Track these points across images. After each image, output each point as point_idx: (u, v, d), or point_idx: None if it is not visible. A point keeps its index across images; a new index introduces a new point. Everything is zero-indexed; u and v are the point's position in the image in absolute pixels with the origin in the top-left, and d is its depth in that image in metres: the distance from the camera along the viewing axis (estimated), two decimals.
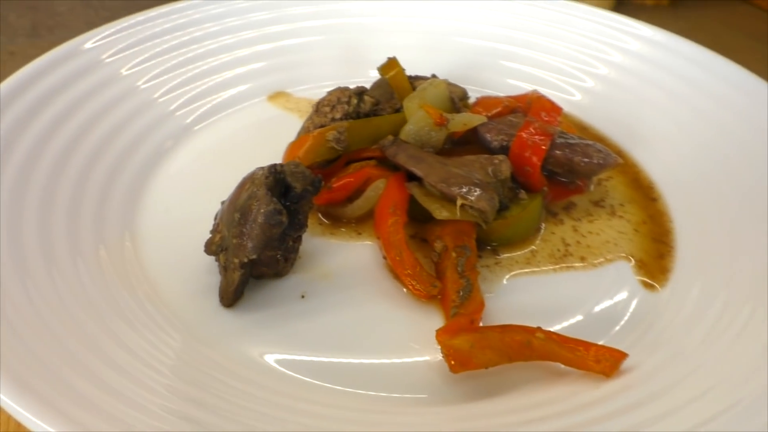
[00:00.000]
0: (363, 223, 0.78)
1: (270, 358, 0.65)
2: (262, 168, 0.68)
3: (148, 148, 0.87)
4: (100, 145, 0.84)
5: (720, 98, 0.89)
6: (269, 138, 0.86)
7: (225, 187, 0.72)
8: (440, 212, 0.71)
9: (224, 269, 0.69)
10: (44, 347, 0.58)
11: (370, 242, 0.77)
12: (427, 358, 0.65)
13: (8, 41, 1.35)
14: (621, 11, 1.46)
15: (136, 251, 0.75)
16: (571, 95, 1.01)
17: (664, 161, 0.88)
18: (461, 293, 0.67)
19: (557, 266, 0.75)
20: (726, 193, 0.80)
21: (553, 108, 0.83)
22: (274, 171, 0.67)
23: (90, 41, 0.93)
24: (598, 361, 0.60)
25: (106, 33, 0.95)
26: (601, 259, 0.76)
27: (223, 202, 0.72)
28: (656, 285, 0.72)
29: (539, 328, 0.62)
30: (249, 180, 0.68)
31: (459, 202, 0.70)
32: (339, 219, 0.79)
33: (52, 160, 0.78)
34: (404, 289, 0.71)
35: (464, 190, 0.71)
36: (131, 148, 0.86)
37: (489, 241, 0.76)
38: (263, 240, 0.66)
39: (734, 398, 0.55)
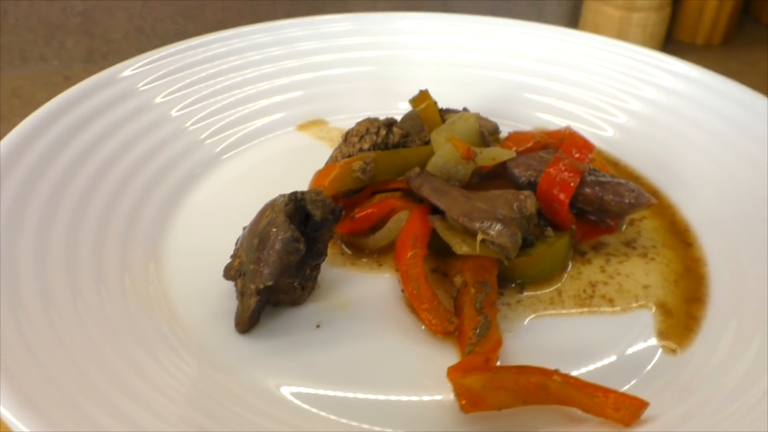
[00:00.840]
0: (385, 254, 0.78)
1: (282, 388, 0.64)
2: (284, 195, 0.68)
3: (177, 175, 0.88)
4: (131, 171, 0.85)
5: (759, 139, 0.86)
6: (298, 167, 0.85)
7: (251, 214, 0.72)
8: (460, 247, 0.70)
9: (241, 294, 0.69)
10: (59, 370, 0.58)
11: (390, 274, 0.76)
12: (439, 396, 0.63)
13: (63, 66, 1.40)
14: (669, 50, 1.43)
15: (159, 275, 0.75)
16: (604, 131, 0.99)
17: (702, 203, 0.85)
18: (478, 330, 0.65)
19: (582, 309, 0.73)
20: (765, 239, 0.76)
21: (585, 145, 0.81)
22: (294, 198, 0.67)
23: (127, 69, 0.95)
24: (618, 408, 0.57)
25: (144, 62, 0.97)
26: (629, 304, 0.73)
27: (245, 228, 0.72)
28: (676, 348, 0.69)
29: (557, 371, 0.60)
30: (270, 206, 0.68)
31: (480, 236, 0.69)
32: (361, 249, 0.78)
33: (83, 184, 0.80)
34: (422, 325, 0.70)
35: (486, 224, 0.69)
36: (160, 174, 0.87)
37: (512, 278, 0.74)
38: (280, 267, 0.66)
39: None
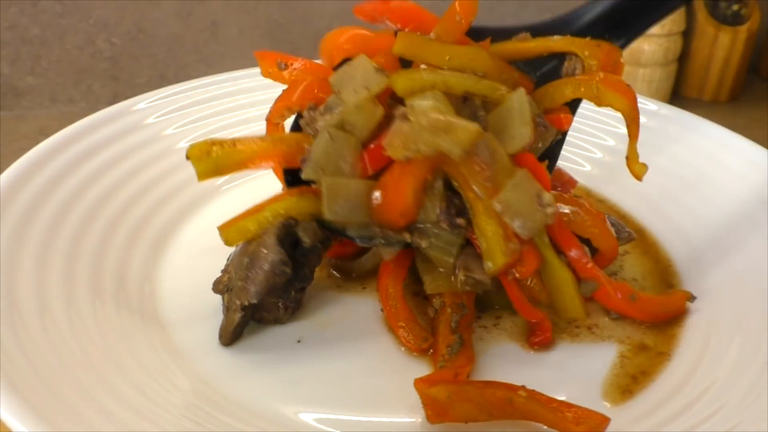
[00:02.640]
0: (370, 278, 0.80)
1: (256, 401, 0.66)
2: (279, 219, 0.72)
3: (179, 203, 0.93)
4: (135, 197, 0.90)
5: (744, 178, 0.88)
6: None
7: None
8: (430, 285, 0.73)
9: (227, 309, 0.72)
10: (54, 375, 0.61)
11: (373, 297, 0.78)
12: (412, 416, 0.64)
13: (90, 108, 1.48)
14: (675, 104, 1.47)
15: (152, 291, 0.79)
16: (582, 166, 1.02)
17: (685, 241, 0.87)
18: (451, 348, 0.67)
19: (559, 335, 0.74)
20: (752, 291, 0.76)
21: (568, 181, 0.84)
22: (287, 224, 0.70)
23: (141, 103, 1.01)
24: (579, 423, 0.58)
25: (156, 97, 1.04)
26: (607, 335, 0.74)
27: (237, 245, 0.75)
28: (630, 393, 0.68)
29: (523, 387, 0.61)
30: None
31: (460, 274, 0.71)
32: (348, 273, 0.81)
33: (89, 206, 0.85)
34: (400, 346, 0.71)
35: (464, 262, 0.71)
36: (163, 201, 0.92)
37: (491, 303, 0.76)
38: (266, 287, 0.69)
39: None
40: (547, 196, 0.68)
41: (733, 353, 0.67)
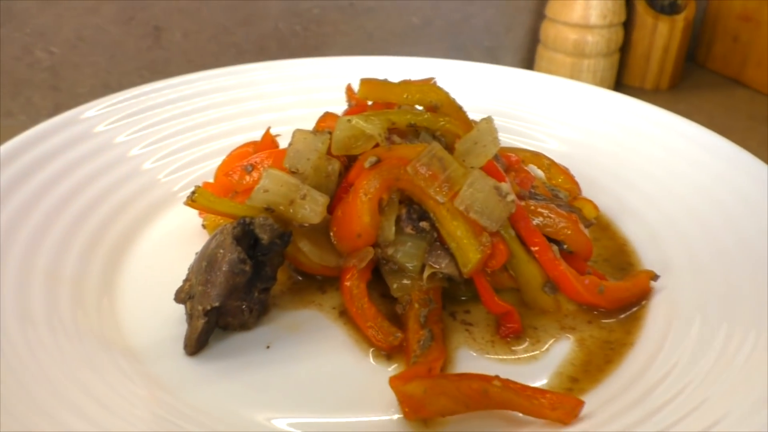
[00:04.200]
0: (330, 282, 0.79)
1: (226, 409, 0.64)
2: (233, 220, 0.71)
3: (135, 211, 0.90)
4: (88, 208, 0.87)
5: (697, 162, 0.91)
6: None
7: None
8: (397, 290, 0.74)
9: (190, 317, 0.70)
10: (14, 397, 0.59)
11: (334, 299, 0.77)
12: (386, 413, 0.64)
13: (30, 121, 1.43)
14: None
15: (112, 307, 0.76)
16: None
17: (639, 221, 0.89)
18: (422, 343, 0.67)
19: (529, 323, 0.74)
20: (719, 269, 0.77)
21: (526, 177, 0.84)
22: (242, 222, 0.69)
23: (89, 111, 0.99)
24: (554, 408, 0.59)
25: (104, 104, 1.01)
26: (571, 324, 0.74)
27: (197, 253, 0.74)
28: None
29: (497, 377, 0.61)
30: (219, 231, 0.70)
31: (428, 271, 0.72)
32: (310, 276, 0.80)
33: (42, 219, 0.82)
34: (369, 345, 0.71)
35: (433, 258, 0.72)
36: (118, 210, 0.89)
37: (458, 296, 0.76)
38: (227, 288, 0.67)
39: None
40: (505, 187, 0.69)
41: (695, 332, 0.69)
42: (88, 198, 0.88)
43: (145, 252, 0.85)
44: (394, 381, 0.61)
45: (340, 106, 1.01)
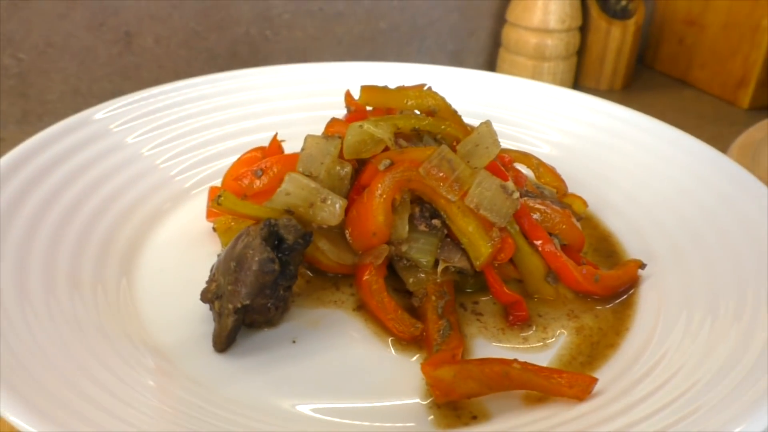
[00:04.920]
0: (343, 279, 0.83)
1: (262, 400, 0.68)
2: (257, 223, 0.74)
3: (148, 208, 0.94)
4: (104, 204, 0.91)
5: (669, 160, 0.99)
6: None
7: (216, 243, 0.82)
8: (413, 285, 0.79)
9: (218, 315, 0.73)
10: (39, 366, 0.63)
11: (348, 294, 0.82)
12: (413, 397, 0.69)
13: None
14: None
15: (135, 307, 0.79)
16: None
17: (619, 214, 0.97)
18: (441, 332, 0.72)
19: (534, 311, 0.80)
20: (697, 255, 0.84)
21: (520, 176, 0.90)
22: (269, 224, 0.73)
23: (101, 112, 1.02)
24: (572, 386, 0.65)
25: (116, 105, 1.04)
26: (572, 309, 0.81)
27: (219, 255, 0.77)
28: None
29: (516, 360, 0.67)
30: (245, 232, 0.74)
31: (441, 265, 0.77)
32: (323, 273, 0.84)
33: (60, 215, 0.85)
34: (388, 336, 0.76)
35: (446, 253, 0.78)
36: (132, 208, 0.93)
37: (465, 287, 0.82)
38: (257, 286, 0.71)
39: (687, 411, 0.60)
40: (510, 185, 0.75)
41: (683, 317, 0.76)
42: (104, 195, 0.91)
43: (157, 252, 0.88)
44: (425, 367, 0.66)
45: (340, 110, 1.06)
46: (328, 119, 0.92)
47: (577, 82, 1.70)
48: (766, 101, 1.57)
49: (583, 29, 1.63)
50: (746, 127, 1.38)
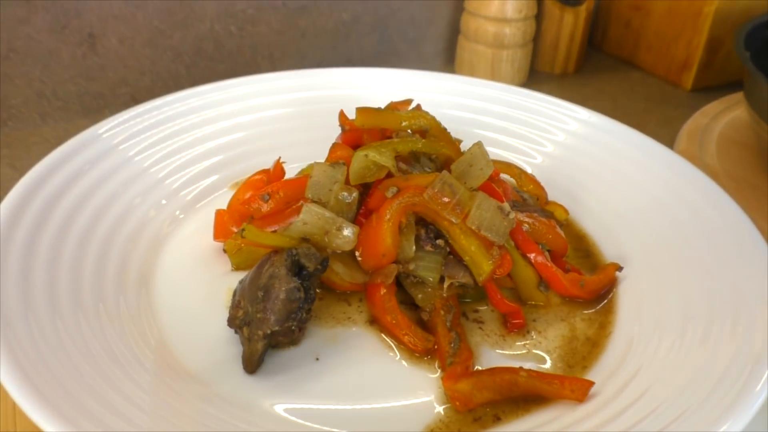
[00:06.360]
0: (352, 295, 0.90)
1: (292, 414, 0.75)
2: (277, 252, 0.80)
3: (154, 227, 0.99)
4: (113, 228, 0.94)
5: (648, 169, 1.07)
6: None
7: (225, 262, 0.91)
8: (422, 300, 0.85)
9: (248, 340, 0.79)
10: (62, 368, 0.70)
11: (361, 308, 0.88)
12: (429, 397, 0.77)
13: None
14: (534, 80, 1.67)
15: (161, 335, 0.83)
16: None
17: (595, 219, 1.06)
18: (452, 344, 0.80)
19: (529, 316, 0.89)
20: (669, 257, 0.93)
21: (506, 189, 0.97)
22: (290, 254, 0.79)
23: (103, 128, 1.05)
24: (573, 390, 0.74)
25: (116, 122, 1.07)
26: (559, 315, 0.89)
27: (241, 281, 0.82)
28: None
29: (521, 368, 0.76)
30: (268, 262, 0.79)
31: (447, 282, 0.85)
32: (330, 290, 0.90)
33: (76, 237, 0.89)
34: (396, 349, 0.83)
35: (450, 270, 0.85)
36: (141, 227, 0.97)
37: (463, 298, 0.89)
38: (285, 314, 0.77)
39: (680, 409, 0.70)
40: (506, 206, 0.83)
41: (666, 314, 0.85)
42: (109, 222, 0.95)
43: (169, 274, 0.93)
44: (446, 382, 0.74)
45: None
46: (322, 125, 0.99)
47: (533, 67, 1.78)
48: (707, 83, 1.68)
49: (538, 17, 1.70)
50: (691, 110, 1.50)
